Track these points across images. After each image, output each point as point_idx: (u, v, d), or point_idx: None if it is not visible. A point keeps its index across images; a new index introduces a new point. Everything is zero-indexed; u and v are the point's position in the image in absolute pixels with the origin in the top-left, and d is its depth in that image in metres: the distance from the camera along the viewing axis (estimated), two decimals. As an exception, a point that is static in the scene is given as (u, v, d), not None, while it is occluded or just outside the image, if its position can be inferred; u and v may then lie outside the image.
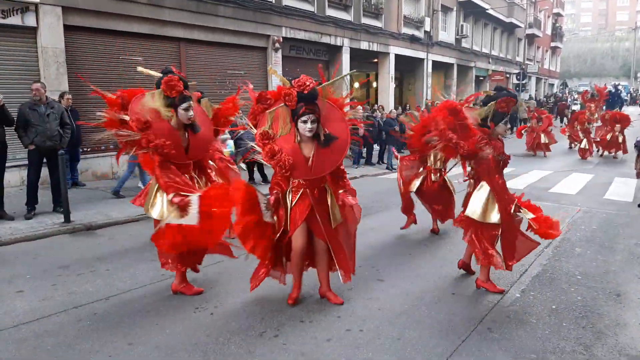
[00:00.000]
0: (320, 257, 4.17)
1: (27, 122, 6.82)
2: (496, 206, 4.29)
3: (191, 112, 4.10)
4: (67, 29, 9.42)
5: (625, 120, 15.13)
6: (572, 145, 17.18)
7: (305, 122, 3.79)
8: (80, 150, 9.58)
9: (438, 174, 6.36)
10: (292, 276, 4.27)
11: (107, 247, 5.91)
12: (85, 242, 6.10)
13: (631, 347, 3.56)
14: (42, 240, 6.13)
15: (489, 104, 4.29)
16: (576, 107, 29.35)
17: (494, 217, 4.29)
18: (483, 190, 4.36)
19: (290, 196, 4.01)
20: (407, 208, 6.58)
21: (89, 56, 10.07)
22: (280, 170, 3.86)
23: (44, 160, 7.13)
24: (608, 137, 15.20)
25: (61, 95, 8.63)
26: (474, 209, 4.36)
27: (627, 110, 30.67)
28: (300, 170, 3.87)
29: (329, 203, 4.05)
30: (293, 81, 3.79)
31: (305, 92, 3.73)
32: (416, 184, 6.49)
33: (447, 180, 6.44)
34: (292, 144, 3.87)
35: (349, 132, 3.97)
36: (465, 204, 4.55)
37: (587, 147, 15.29)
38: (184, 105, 4.04)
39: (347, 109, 4.15)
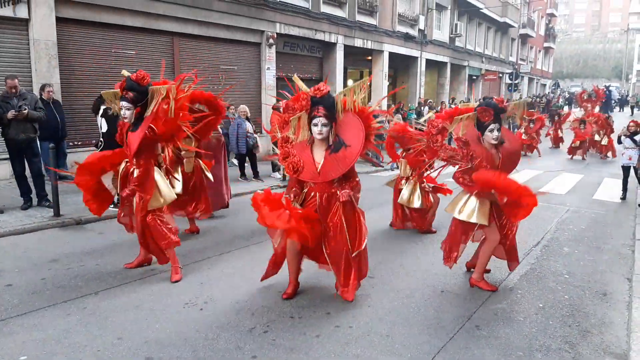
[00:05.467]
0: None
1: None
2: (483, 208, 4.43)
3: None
4: (60, 21, 9.32)
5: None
6: (554, 145, 18.16)
7: (315, 125, 3.89)
8: (67, 144, 9.42)
9: (406, 181, 6.46)
10: (289, 272, 4.31)
11: (97, 241, 5.88)
12: (75, 237, 6.07)
13: (616, 345, 3.62)
14: (32, 234, 6.09)
15: (470, 115, 4.39)
16: (565, 109, 29.65)
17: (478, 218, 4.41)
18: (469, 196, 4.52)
19: (304, 196, 4.12)
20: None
21: (81, 49, 9.96)
22: (290, 172, 4.00)
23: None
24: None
25: (42, 88, 8.41)
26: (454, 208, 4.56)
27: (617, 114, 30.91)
28: (308, 173, 3.97)
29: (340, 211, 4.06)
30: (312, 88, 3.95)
31: (318, 96, 3.87)
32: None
33: (425, 191, 6.37)
34: (305, 148, 4.00)
35: (363, 142, 3.93)
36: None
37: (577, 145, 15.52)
38: None
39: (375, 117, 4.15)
